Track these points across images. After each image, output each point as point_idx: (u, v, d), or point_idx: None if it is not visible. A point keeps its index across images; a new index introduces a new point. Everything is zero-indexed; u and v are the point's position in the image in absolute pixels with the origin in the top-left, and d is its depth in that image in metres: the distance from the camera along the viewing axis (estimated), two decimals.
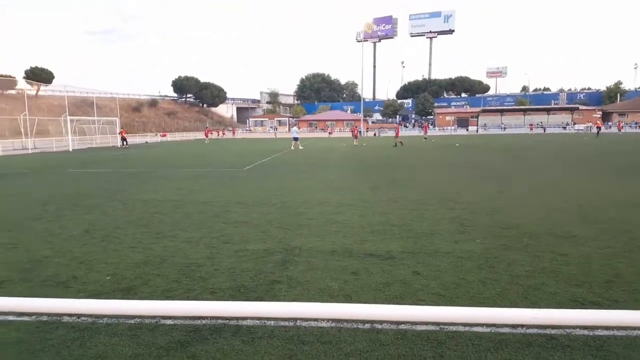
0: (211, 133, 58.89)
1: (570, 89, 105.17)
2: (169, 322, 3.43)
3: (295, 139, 30.23)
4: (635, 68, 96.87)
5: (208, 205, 8.58)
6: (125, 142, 37.33)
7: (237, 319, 3.41)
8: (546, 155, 21.35)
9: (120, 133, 37.92)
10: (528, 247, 5.37)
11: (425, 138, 42.35)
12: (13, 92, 65.50)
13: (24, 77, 68.20)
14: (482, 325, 3.28)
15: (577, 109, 76.46)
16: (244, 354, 2.98)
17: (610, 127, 67.39)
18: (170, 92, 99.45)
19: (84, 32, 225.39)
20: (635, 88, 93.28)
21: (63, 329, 3.36)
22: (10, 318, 3.53)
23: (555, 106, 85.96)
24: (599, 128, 40.92)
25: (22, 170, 17.45)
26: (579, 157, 19.62)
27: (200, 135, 64.66)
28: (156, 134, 63.29)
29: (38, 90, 68.99)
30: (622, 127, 54.33)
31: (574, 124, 70.59)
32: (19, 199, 9.87)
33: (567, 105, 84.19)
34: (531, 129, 59.67)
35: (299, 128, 36.58)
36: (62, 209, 8.54)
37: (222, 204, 8.77)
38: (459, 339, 3.13)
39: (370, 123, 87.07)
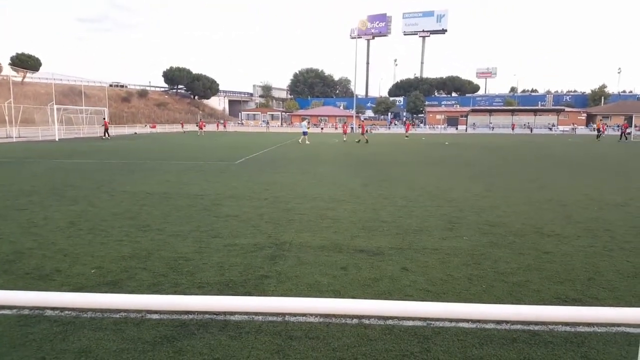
0: (204, 126, 58.53)
1: (557, 91, 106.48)
2: (155, 316, 3.40)
3: (304, 133, 30.52)
4: (619, 72, 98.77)
5: (198, 199, 8.51)
6: (106, 134, 36.10)
7: (224, 313, 3.39)
8: (533, 155, 21.66)
9: (104, 124, 36.89)
10: (513, 245, 5.45)
11: (407, 136, 42.45)
12: None
13: (10, 64, 66.60)
14: (467, 321, 3.30)
15: (563, 110, 77.50)
16: (232, 349, 2.97)
17: (594, 129, 68.87)
18: (161, 83, 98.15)
19: (74, 19, 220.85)
20: (619, 92, 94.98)
21: (45, 322, 3.31)
22: None
23: (542, 107, 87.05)
24: (599, 130, 40.02)
25: (6, 159, 17.08)
26: (564, 158, 19.95)
27: (190, 127, 63.96)
28: (145, 125, 62.40)
29: (24, 77, 67.43)
30: (606, 129, 55.40)
31: (554, 126, 71.75)
32: (2, 189, 9.66)
33: (554, 107, 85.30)
34: (513, 129, 61.41)
35: (308, 123, 36.42)
36: (48, 199, 8.39)
37: (212, 197, 8.71)
38: (445, 335, 3.17)
39: (362, 120, 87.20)
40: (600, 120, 54.13)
